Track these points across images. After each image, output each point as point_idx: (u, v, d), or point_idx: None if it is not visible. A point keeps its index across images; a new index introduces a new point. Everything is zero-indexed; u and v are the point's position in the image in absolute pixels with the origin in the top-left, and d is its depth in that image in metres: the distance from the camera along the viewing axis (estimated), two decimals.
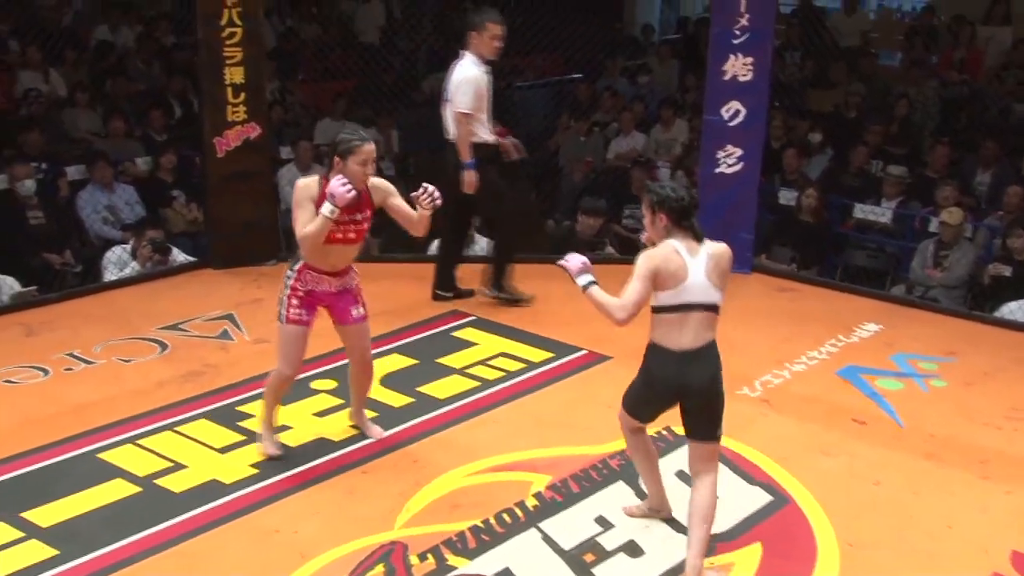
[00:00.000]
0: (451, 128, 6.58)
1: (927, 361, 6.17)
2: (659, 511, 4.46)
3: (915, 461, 5.03)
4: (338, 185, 4.44)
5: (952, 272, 7.54)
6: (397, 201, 4.75)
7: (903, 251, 8.23)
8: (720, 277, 3.93)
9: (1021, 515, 4.60)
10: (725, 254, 3.96)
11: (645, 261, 3.88)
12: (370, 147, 4.50)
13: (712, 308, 3.94)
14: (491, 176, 6.65)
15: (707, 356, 3.98)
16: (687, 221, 3.91)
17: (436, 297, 6.99)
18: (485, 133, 6.64)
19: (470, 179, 6.52)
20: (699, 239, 3.92)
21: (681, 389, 3.99)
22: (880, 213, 8.44)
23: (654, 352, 4.01)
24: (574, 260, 4.04)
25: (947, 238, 7.61)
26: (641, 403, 4.15)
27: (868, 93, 10.51)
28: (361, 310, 4.83)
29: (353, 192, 4.46)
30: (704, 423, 4.04)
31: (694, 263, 3.88)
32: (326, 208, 4.46)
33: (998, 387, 5.86)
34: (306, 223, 4.52)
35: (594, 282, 3.98)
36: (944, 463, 5.02)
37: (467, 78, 6.48)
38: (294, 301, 4.69)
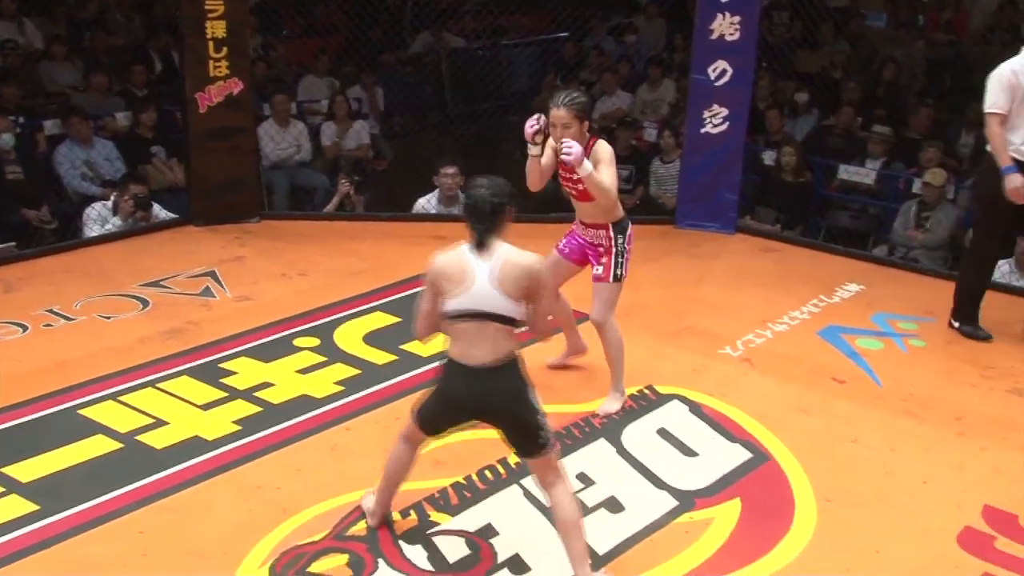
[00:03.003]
0: None
1: (907, 321, 6.20)
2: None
3: (893, 419, 5.07)
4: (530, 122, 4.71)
5: (934, 233, 7.56)
6: (598, 171, 4.63)
7: (886, 212, 8.25)
8: (515, 287, 3.55)
9: (995, 471, 4.66)
10: (520, 264, 3.57)
11: (430, 266, 3.64)
12: (555, 112, 4.64)
13: (504, 320, 3.57)
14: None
15: (504, 373, 3.62)
16: (471, 224, 3.60)
17: (958, 328, 6.06)
18: (1017, 142, 5.67)
19: (1011, 184, 5.59)
20: (479, 247, 3.57)
21: (479, 408, 3.67)
22: (864, 174, 8.45)
23: (448, 365, 3.68)
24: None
25: (930, 199, 7.64)
26: (432, 417, 3.78)
27: (853, 54, 10.48)
28: (598, 270, 4.94)
29: (533, 127, 4.66)
30: (517, 442, 3.71)
31: (481, 268, 3.56)
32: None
33: (976, 347, 5.90)
34: None
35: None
36: (922, 421, 5.07)
37: (996, 73, 5.73)
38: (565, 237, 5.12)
